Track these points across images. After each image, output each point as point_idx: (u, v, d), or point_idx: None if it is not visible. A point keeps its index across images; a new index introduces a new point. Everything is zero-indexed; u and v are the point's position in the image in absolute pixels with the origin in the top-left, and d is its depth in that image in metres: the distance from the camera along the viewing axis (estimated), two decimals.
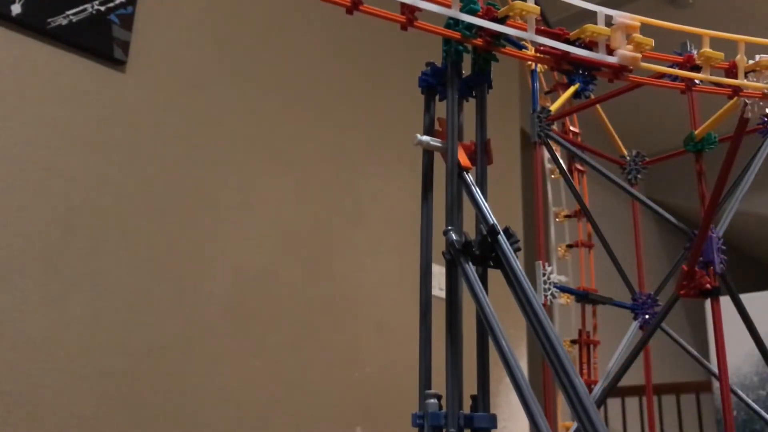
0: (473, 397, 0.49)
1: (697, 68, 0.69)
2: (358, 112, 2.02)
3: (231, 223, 1.61)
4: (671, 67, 0.70)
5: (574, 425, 0.96)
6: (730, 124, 0.80)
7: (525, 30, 0.56)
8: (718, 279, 0.80)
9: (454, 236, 0.49)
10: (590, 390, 1.08)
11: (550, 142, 0.97)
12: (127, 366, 1.35)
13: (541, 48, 0.59)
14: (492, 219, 0.48)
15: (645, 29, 0.61)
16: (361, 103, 2.04)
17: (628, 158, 1.13)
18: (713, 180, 0.81)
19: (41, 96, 1.34)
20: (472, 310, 0.47)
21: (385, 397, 1.81)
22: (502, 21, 0.56)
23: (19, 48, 1.32)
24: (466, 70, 0.58)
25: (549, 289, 0.92)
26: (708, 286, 0.79)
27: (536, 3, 0.56)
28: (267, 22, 1.82)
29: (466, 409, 0.48)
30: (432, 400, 0.49)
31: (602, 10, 0.59)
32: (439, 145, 0.54)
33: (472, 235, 0.50)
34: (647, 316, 1.02)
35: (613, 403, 2.97)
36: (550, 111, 0.97)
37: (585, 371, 1.16)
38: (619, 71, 0.59)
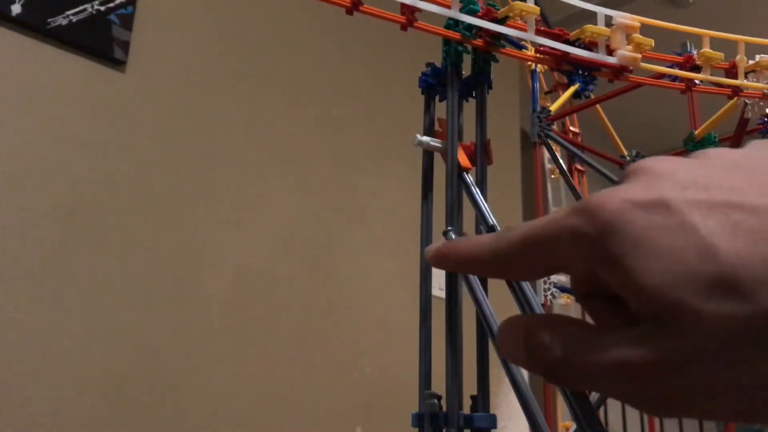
0: (473, 398, 0.49)
1: (697, 68, 0.69)
2: (358, 112, 2.02)
3: (231, 223, 1.61)
4: (671, 67, 0.70)
5: (574, 426, 0.95)
6: (730, 124, 0.81)
7: (525, 30, 0.56)
8: None
9: (453, 237, 0.49)
10: None
11: (550, 142, 0.97)
12: (126, 366, 1.35)
13: (541, 48, 0.59)
14: (491, 219, 0.48)
15: (645, 29, 0.61)
16: (362, 103, 2.04)
17: (628, 158, 1.12)
18: None
19: (41, 96, 1.34)
20: (473, 309, 0.47)
21: (385, 397, 1.81)
22: (501, 21, 0.56)
23: (19, 48, 1.32)
24: (466, 71, 0.58)
25: (549, 289, 0.92)
26: None
27: (536, 3, 0.56)
28: (267, 21, 1.82)
29: (466, 410, 0.48)
30: (432, 401, 0.49)
31: (602, 11, 0.59)
32: (439, 145, 0.54)
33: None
34: None
35: (613, 403, 2.97)
36: (550, 111, 0.97)
37: None
38: (619, 71, 0.59)
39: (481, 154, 0.54)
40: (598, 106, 1.09)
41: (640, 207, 0.19)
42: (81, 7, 1.40)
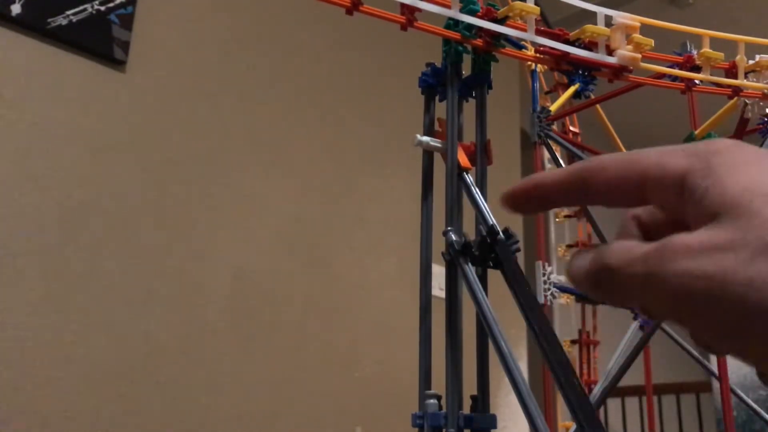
0: (473, 398, 0.49)
1: (697, 68, 0.68)
2: (359, 113, 2.02)
3: (231, 223, 1.61)
4: (671, 67, 0.70)
5: (574, 426, 0.95)
6: (730, 124, 0.81)
7: (525, 30, 0.56)
8: None
9: (453, 237, 0.49)
10: (590, 390, 1.08)
11: (550, 142, 0.97)
12: (126, 366, 1.35)
13: (541, 48, 0.59)
14: (491, 219, 0.48)
15: (645, 29, 0.61)
16: (362, 104, 2.04)
17: None
18: None
19: (41, 96, 1.34)
20: (473, 309, 0.47)
21: (385, 397, 1.81)
22: (501, 21, 0.56)
23: (19, 48, 1.32)
24: (466, 71, 0.58)
25: (549, 289, 0.92)
26: None
27: (536, 3, 0.56)
28: (267, 22, 1.82)
29: (466, 410, 0.48)
30: (432, 401, 0.49)
31: (602, 11, 0.59)
32: (439, 145, 0.54)
33: (472, 236, 0.50)
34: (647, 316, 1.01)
35: (613, 403, 2.97)
36: (550, 111, 0.97)
37: (585, 371, 1.17)
38: (618, 71, 0.59)
39: (481, 154, 0.54)
40: (598, 106, 1.09)
41: (740, 148, 0.26)
42: (81, 7, 1.40)
